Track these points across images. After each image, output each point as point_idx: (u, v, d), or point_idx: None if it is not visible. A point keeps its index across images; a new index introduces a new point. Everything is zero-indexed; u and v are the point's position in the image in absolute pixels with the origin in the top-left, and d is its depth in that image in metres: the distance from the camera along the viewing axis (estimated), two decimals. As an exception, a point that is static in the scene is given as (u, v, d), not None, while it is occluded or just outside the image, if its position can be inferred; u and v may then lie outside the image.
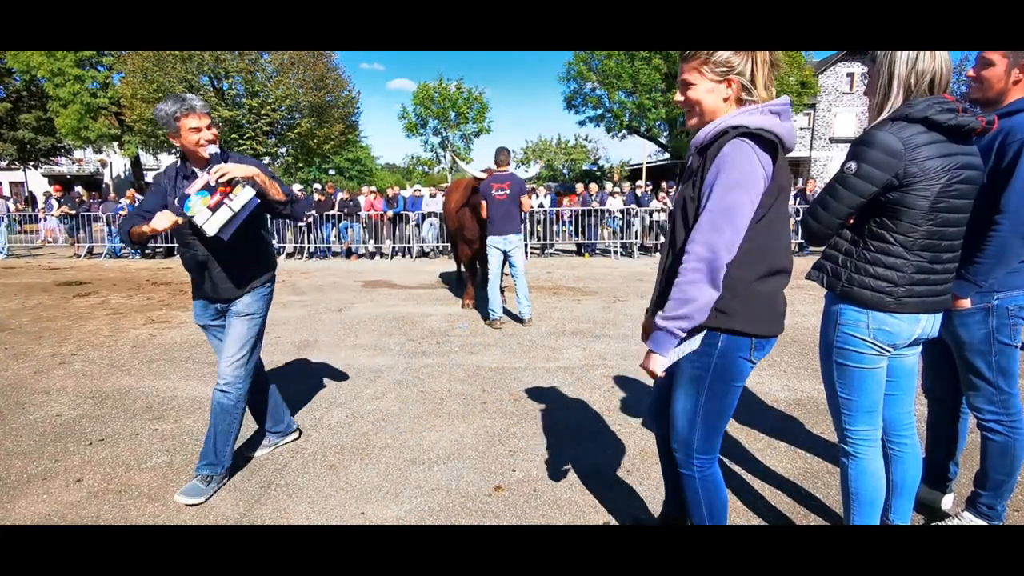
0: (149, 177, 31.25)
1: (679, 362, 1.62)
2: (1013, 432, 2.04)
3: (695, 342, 1.58)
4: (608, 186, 13.83)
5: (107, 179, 34.51)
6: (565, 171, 35.30)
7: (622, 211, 13.03)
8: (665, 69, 20.89)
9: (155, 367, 4.44)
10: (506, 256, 5.71)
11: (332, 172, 36.79)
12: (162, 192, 2.49)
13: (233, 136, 21.29)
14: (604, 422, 3.35)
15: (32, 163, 27.92)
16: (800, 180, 18.29)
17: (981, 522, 2.15)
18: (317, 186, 14.46)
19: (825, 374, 1.88)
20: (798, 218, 9.08)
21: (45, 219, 15.06)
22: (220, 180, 2.25)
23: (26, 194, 27.46)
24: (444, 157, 32.81)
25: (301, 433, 3.15)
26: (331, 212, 12.96)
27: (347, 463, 2.86)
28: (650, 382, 3.99)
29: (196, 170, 2.46)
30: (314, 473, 2.76)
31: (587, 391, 3.85)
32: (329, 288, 8.46)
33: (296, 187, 14.19)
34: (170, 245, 12.87)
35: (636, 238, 13.19)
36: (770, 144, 1.46)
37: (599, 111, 23.94)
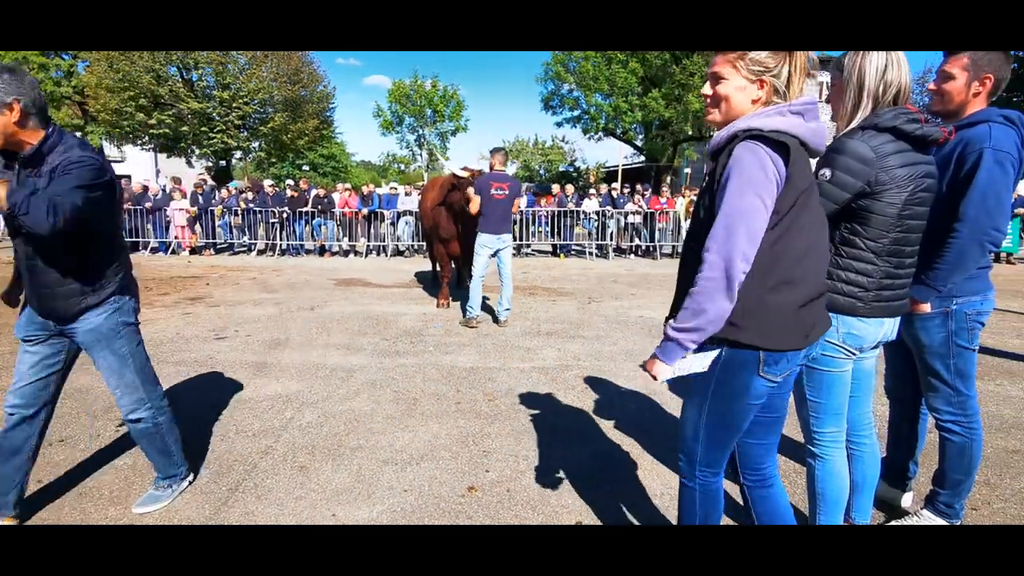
0: (115, 169, 30.35)
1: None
2: (970, 433, 2.12)
3: (704, 364, 1.50)
4: (569, 188, 13.73)
5: (69, 170, 33.32)
6: (542, 172, 35.41)
7: (598, 212, 13.13)
8: (641, 73, 21.10)
9: (118, 366, 4.30)
10: (495, 255, 5.70)
11: (306, 168, 36.23)
12: None
13: (203, 129, 20.81)
14: (578, 422, 3.37)
15: (-11, 153, 26.84)
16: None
17: (940, 520, 2.22)
18: (290, 182, 14.21)
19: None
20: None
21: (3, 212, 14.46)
22: None
23: (-18, 185, 26.35)
24: (420, 155, 32.58)
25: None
26: (304, 209, 12.76)
27: (318, 464, 2.82)
28: (624, 384, 4.03)
29: None
30: (284, 475, 2.72)
31: (561, 391, 3.86)
32: (302, 286, 8.33)
33: (267, 183, 13.90)
34: (134, 240, 12.53)
35: (611, 240, 13.31)
36: (783, 147, 1.38)
37: (576, 112, 24.07)
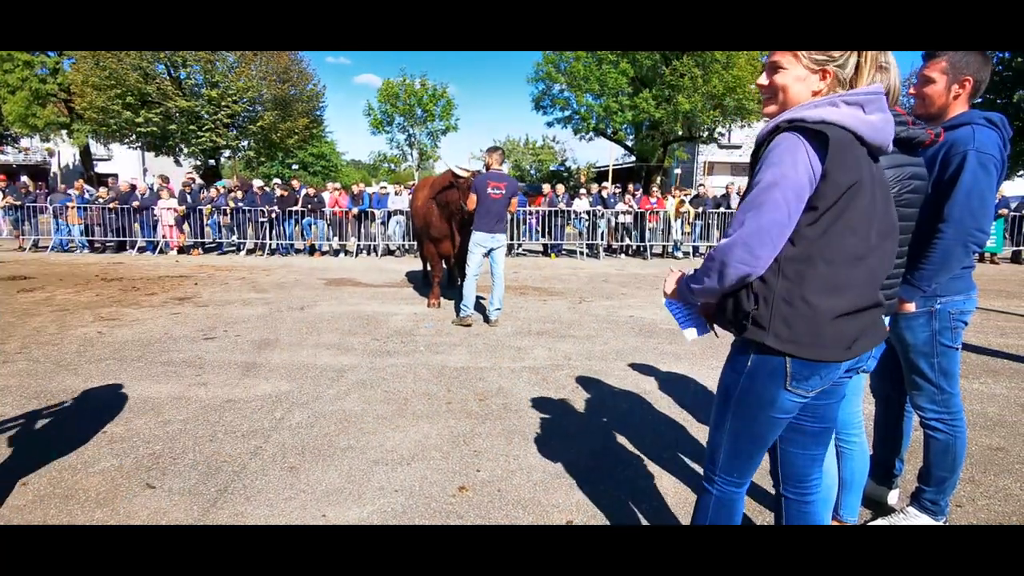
0: (99, 167, 29.98)
1: (725, 367, 1.52)
2: (954, 431, 2.15)
3: (688, 335, 1.57)
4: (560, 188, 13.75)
5: (54, 169, 32.89)
6: (533, 172, 35.44)
7: (588, 212, 13.16)
8: (632, 73, 21.17)
9: (104, 367, 4.26)
10: (488, 254, 5.70)
11: (296, 167, 36.02)
12: None
13: (192, 128, 20.62)
14: (568, 422, 3.38)
15: (-26, 151, 26.47)
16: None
17: (925, 516, 2.25)
18: (278, 181, 14.11)
19: None
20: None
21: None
22: None
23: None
24: (411, 155, 32.47)
25: None
26: (294, 208, 12.69)
27: (308, 465, 2.81)
28: (615, 384, 4.05)
29: None
30: (274, 475, 2.70)
31: (552, 391, 3.87)
32: (291, 286, 8.28)
33: (256, 183, 13.79)
34: (122, 239, 12.40)
35: (602, 239, 13.35)
36: (823, 139, 1.27)
37: (567, 113, 24.12)
